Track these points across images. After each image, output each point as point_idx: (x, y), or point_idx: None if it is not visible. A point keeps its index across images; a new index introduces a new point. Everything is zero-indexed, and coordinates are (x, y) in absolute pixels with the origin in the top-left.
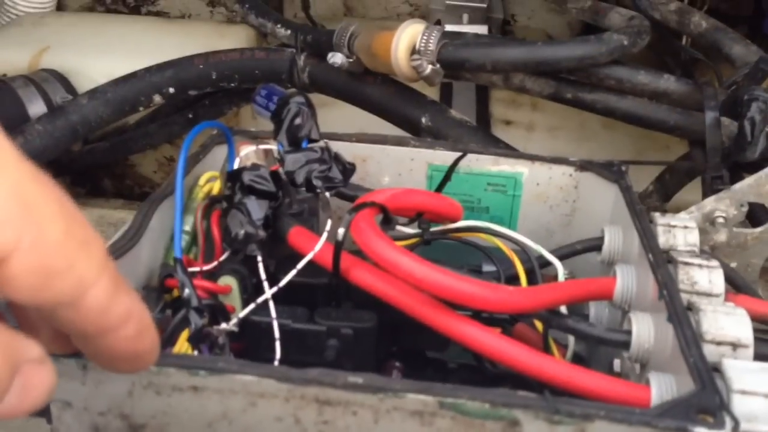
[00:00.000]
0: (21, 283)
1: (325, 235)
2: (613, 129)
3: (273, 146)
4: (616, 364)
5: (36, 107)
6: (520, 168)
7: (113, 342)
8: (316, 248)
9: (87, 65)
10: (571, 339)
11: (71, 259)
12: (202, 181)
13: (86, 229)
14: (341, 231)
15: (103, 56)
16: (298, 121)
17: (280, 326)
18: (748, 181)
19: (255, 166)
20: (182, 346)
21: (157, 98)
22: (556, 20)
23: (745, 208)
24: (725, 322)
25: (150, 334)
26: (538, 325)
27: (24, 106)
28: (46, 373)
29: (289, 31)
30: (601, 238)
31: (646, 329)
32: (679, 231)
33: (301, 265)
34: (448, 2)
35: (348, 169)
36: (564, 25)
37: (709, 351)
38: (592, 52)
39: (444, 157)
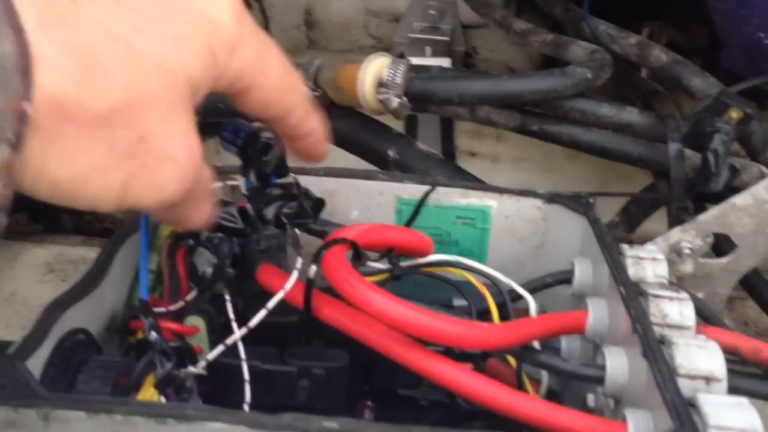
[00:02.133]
0: (252, 105)
1: (295, 273)
2: (576, 160)
3: (240, 182)
4: (590, 399)
5: None
6: (489, 201)
7: (304, 145)
8: (286, 286)
9: None
10: (545, 373)
11: (290, 86)
12: None
13: (294, 75)
14: (312, 269)
15: None
16: (266, 156)
17: (250, 368)
18: (713, 212)
19: (223, 203)
20: (148, 391)
21: None
22: (518, 53)
23: (711, 239)
24: (698, 356)
25: (323, 145)
26: (511, 360)
27: None
28: (210, 206)
29: None
30: (571, 271)
31: (619, 364)
32: (647, 263)
33: (271, 304)
34: (411, 35)
35: (317, 205)
36: (525, 58)
37: (684, 385)
38: (556, 86)
39: (412, 190)
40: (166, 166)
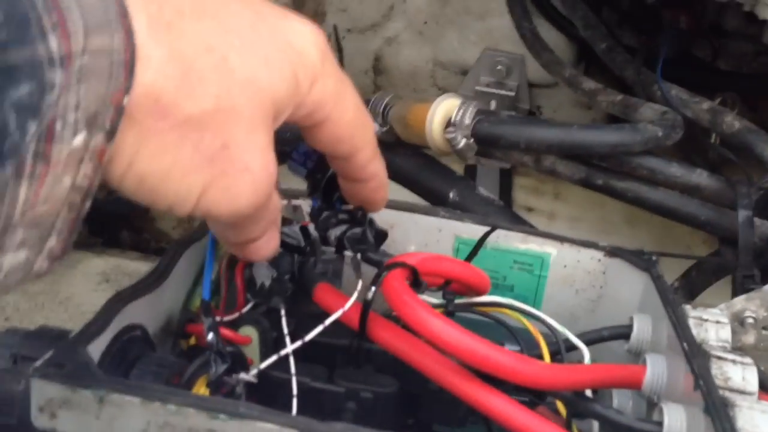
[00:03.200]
0: (325, 139)
1: (356, 293)
2: (634, 225)
3: (303, 203)
4: None
5: None
6: (549, 248)
7: (364, 189)
8: (347, 305)
9: None
10: (595, 428)
11: (362, 126)
12: None
13: (366, 115)
14: (372, 289)
15: None
16: (333, 181)
17: (298, 384)
18: None
19: (285, 221)
20: (199, 391)
21: None
22: (582, 115)
23: None
24: (761, 421)
25: (384, 191)
26: (561, 408)
27: None
28: (278, 236)
29: None
30: (630, 326)
31: (678, 420)
32: (711, 325)
33: (330, 320)
34: (477, 88)
35: (380, 235)
36: (589, 120)
37: None
38: (626, 140)
39: (472, 230)
40: (243, 177)
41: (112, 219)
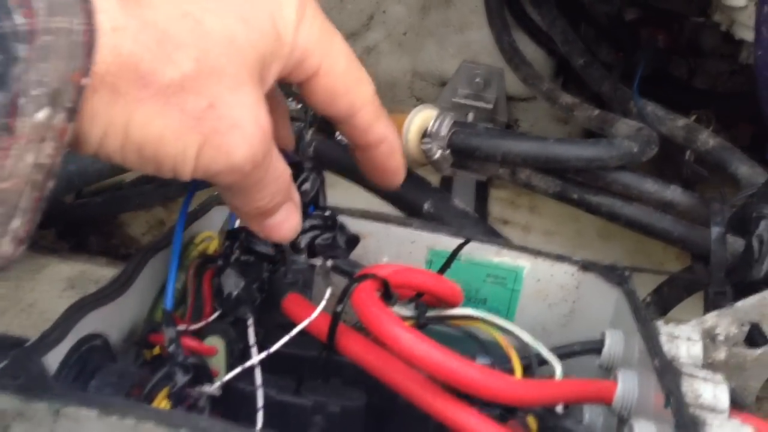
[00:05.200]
0: (321, 93)
1: (323, 303)
2: (608, 239)
3: None
4: None
5: None
6: (522, 262)
7: (376, 156)
8: (312, 315)
9: None
10: None
11: (357, 79)
12: (197, 239)
13: (362, 69)
14: (341, 300)
15: None
16: (306, 186)
17: (264, 396)
18: (752, 300)
19: None
20: (160, 404)
21: None
22: (559, 129)
23: (746, 328)
24: None
25: (397, 157)
26: (532, 424)
27: None
28: (298, 214)
29: (299, 105)
30: (601, 341)
31: None
32: (682, 342)
33: (296, 330)
34: (454, 100)
35: (352, 241)
36: (566, 135)
37: None
38: (602, 155)
39: (445, 242)
40: (234, 133)
41: (80, 223)
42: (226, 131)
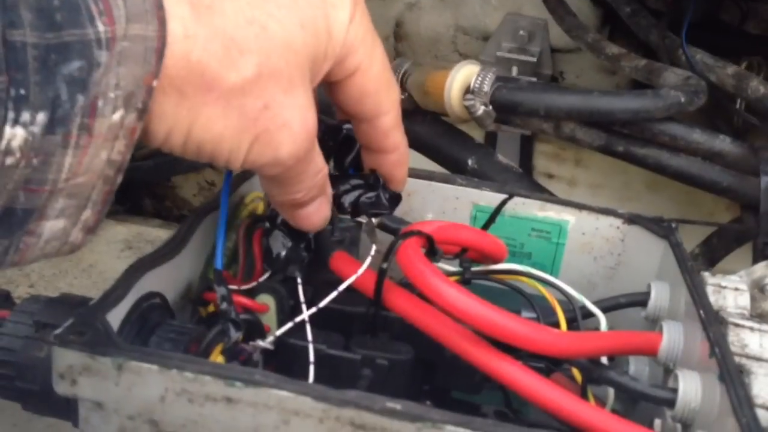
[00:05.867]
0: (353, 91)
1: (368, 259)
2: (656, 191)
3: None
4: (657, 423)
5: None
6: (567, 216)
7: (385, 162)
8: (359, 271)
9: None
10: (611, 394)
11: (388, 84)
12: (247, 200)
13: (393, 75)
14: (387, 257)
15: None
16: (346, 148)
17: (315, 351)
18: None
19: None
20: (216, 358)
21: None
22: (605, 81)
23: None
24: None
25: (404, 168)
26: (576, 375)
27: None
28: (328, 207)
29: None
30: (647, 294)
31: (693, 387)
32: (729, 292)
33: (342, 286)
34: (498, 54)
35: (394, 199)
36: (613, 86)
37: (760, 416)
38: (648, 106)
39: (489, 198)
40: (283, 131)
41: (135, 187)
42: (276, 130)
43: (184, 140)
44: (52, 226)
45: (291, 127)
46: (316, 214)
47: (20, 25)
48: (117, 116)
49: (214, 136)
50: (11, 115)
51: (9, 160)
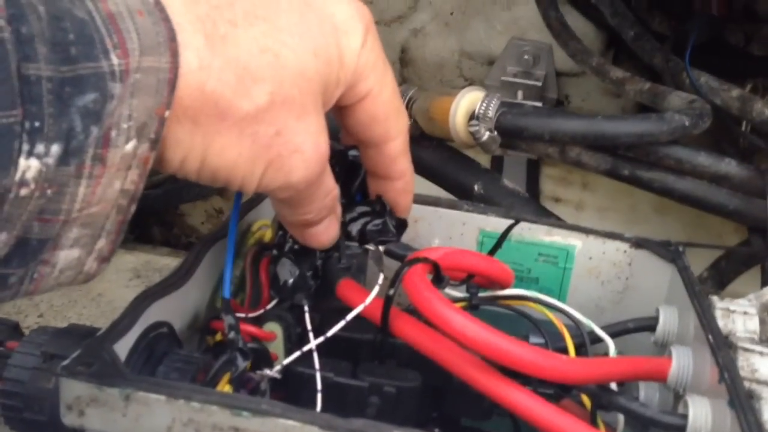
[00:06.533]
0: (362, 117)
1: (376, 288)
2: (664, 214)
3: None
4: None
5: None
6: (574, 240)
7: (391, 189)
8: (367, 300)
9: None
10: (621, 420)
11: (397, 111)
12: (254, 228)
13: (402, 102)
14: (393, 285)
15: None
16: (352, 173)
17: (322, 379)
18: None
19: None
20: (224, 388)
21: None
22: (611, 104)
23: None
24: None
25: (409, 196)
26: (586, 402)
27: None
28: (337, 226)
29: None
30: (655, 318)
31: (703, 413)
32: (738, 316)
33: (350, 316)
34: (503, 78)
35: (401, 225)
36: (618, 109)
37: None
38: (652, 130)
39: (496, 223)
40: (295, 156)
41: (144, 215)
42: (288, 155)
43: (198, 167)
44: (66, 256)
45: (303, 152)
46: (326, 233)
47: (35, 59)
48: (130, 146)
49: (228, 163)
50: (26, 147)
51: (23, 192)
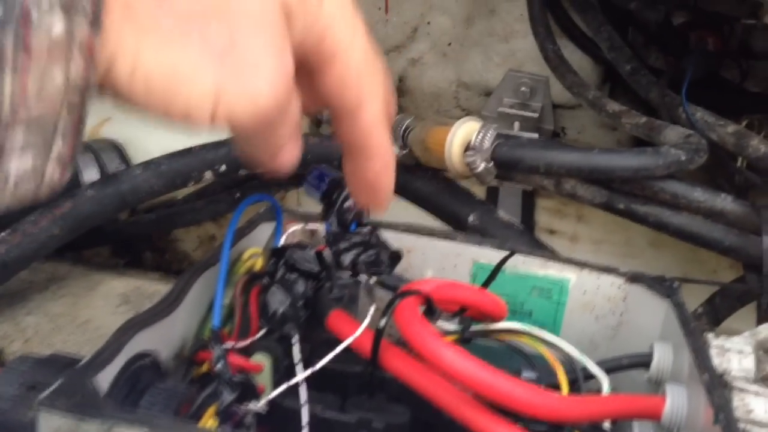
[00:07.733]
0: (333, 81)
1: (367, 320)
2: (659, 248)
3: (319, 227)
4: None
5: (90, 174)
6: (568, 274)
7: (368, 170)
8: (356, 332)
9: (145, 138)
10: None
11: (371, 73)
12: (245, 256)
13: (379, 63)
14: (384, 318)
15: (163, 131)
16: (348, 203)
17: (310, 413)
18: None
19: (300, 245)
20: (208, 421)
21: (209, 174)
22: (607, 136)
23: None
24: None
25: (389, 174)
26: None
27: (78, 171)
28: (298, 146)
29: (404, 151)
30: (650, 355)
31: None
32: (733, 355)
33: (339, 349)
34: (500, 109)
35: (394, 258)
36: (614, 142)
37: None
38: (648, 164)
39: (490, 255)
40: (258, 76)
41: (134, 240)
42: (249, 73)
43: (130, 75)
44: (18, 165)
45: (266, 69)
46: (289, 156)
47: None
48: (59, 28)
49: (168, 69)
50: None
51: None
